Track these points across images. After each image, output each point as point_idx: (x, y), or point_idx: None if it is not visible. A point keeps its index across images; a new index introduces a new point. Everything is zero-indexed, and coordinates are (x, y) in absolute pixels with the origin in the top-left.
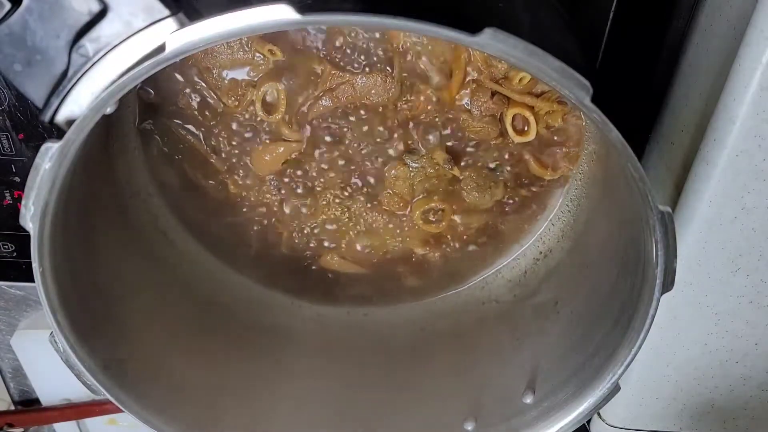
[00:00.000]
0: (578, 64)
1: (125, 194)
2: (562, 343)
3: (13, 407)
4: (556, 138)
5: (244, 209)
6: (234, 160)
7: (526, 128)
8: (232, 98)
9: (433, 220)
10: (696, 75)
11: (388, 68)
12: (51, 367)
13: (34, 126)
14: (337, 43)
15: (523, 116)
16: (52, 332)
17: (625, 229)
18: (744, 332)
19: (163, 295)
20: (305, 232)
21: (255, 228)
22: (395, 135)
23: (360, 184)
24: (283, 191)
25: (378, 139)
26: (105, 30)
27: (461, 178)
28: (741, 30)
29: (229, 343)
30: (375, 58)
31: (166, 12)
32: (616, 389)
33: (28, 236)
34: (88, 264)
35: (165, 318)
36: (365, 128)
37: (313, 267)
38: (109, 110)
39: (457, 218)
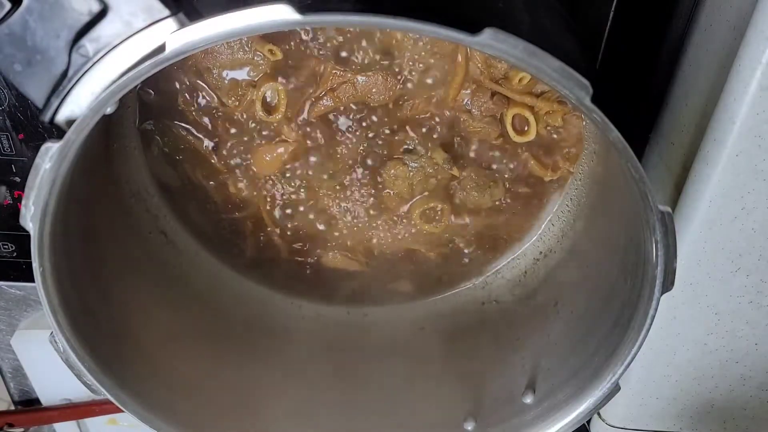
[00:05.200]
0: (578, 64)
1: (125, 194)
2: (562, 343)
3: (13, 407)
4: (556, 138)
5: (244, 209)
6: (234, 160)
7: (526, 128)
8: (233, 98)
9: (433, 219)
10: (696, 75)
11: (388, 68)
12: (51, 367)
13: (34, 126)
14: (337, 43)
15: (523, 116)
16: (52, 332)
17: (625, 229)
18: (744, 332)
19: (163, 295)
20: (305, 231)
21: (255, 228)
22: (395, 134)
23: (360, 183)
24: (283, 191)
25: (378, 139)
26: (105, 30)
27: (461, 177)
28: (741, 30)
29: (228, 342)
30: (375, 58)
31: (166, 12)
32: (616, 389)
33: (28, 236)
34: (88, 264)
35: (165, 318)
36: (365, 128)
37: (313, 266)
38: (109, 110)
39: (456, 218)
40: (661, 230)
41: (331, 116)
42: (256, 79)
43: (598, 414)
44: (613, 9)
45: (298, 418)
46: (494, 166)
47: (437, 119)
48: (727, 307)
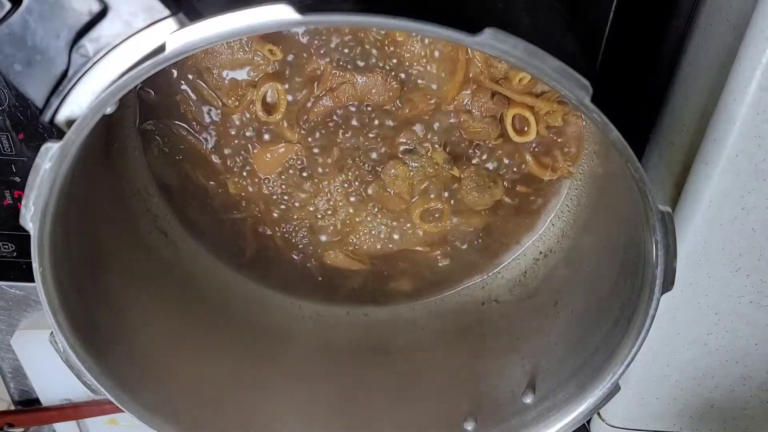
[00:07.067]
0: (578, 64)
1: (125, 194)
2: (562, 343)
3: (13, 407)
4: (556, 138)
5: (244, 209)
6: (234, 160)
7: (526, 128)
8: (233, 98)
9: (433, 219)
10: (696, 75)
11: (388, 68)
12: (51, 367)
13: (34, 126)
14: (338, 43)
15: (523, 116)
16: (52, 332)
17: (625, 229)
18: (744, 332)
19: (163, 295)
20: (305, 230)
21: (255, 228)
22: (395, 134)
23: (360, 183)
24: (283, 191)
25: (378, 139)
26: (105, 30)
27: (461, 178)
28: (741, 30)
29: (229, 342)
30: (375, 58)
31: (166, 12)
32: (616, 389)
33: (28, 236)
34: (88, 264)
35: (164, 317)
36: (365, 128)
37: (313, 266)
38: (109, 110)
39: (456, 218)
40: (661, 230)
41: (331, 116)
42: (256, 80)
43: (598, 414)
44: (613, 9)
45: (298, 418)
46: (494, 166)
47: (437, 119)
48: (727, 307)
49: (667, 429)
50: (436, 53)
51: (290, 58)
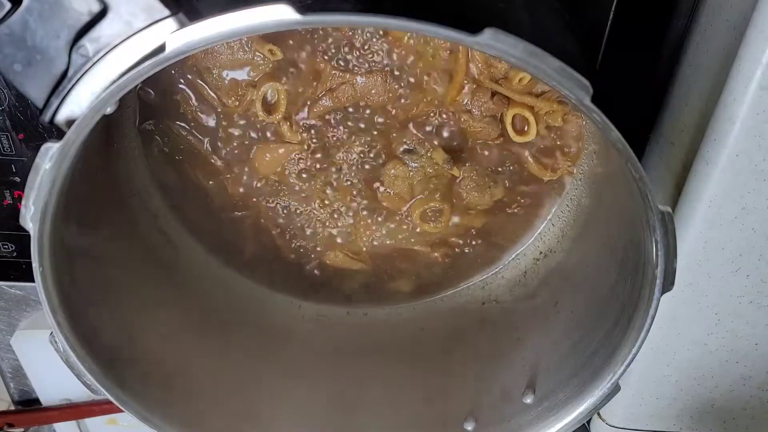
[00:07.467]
0: (578, 64)
1: (125, 194)
2: (562, 343)
3: (13, 407)
4: (556, 138)
5: (244, 209)
6: (234, 161)
7: (526, 128)
8: (233, 98)
9: (433, 219)
10: (696, 75)
11: (388, 68)
12: (51, 367)
13: (34, 126)
14: (337, 43)
15: (523, 116)
16: (52, 332)
17: (625, 229)
18: (744, 332)
19: (163, 295)
20: (305, 230)
21: (254, 228)
22: (395, 135)
23: (360, 183)
24: (283, 190)
25: (378, 139)
26: (105, 30)
27: (460, 178)
28: (741, 30)
29: (228, 342)
30: (375, 58)
31: (166, 12)
32: (616, 389)
33: (28, 236)
34: (88, 264)
35: (164, 317)
36: (365, 128)
37: (313, 266)
38: (109, 110)
39: (456, 218)
40: (661, 230)
41: (330, 116)
42: (256, 80)
43: (598, 414)
44: (613, 9)
45: (298, 418)
46: (494, 167)
47: (437, 119)
48: (727, 307)
49: (667, 429)
50: (437, 54)
51: (290, 57)
